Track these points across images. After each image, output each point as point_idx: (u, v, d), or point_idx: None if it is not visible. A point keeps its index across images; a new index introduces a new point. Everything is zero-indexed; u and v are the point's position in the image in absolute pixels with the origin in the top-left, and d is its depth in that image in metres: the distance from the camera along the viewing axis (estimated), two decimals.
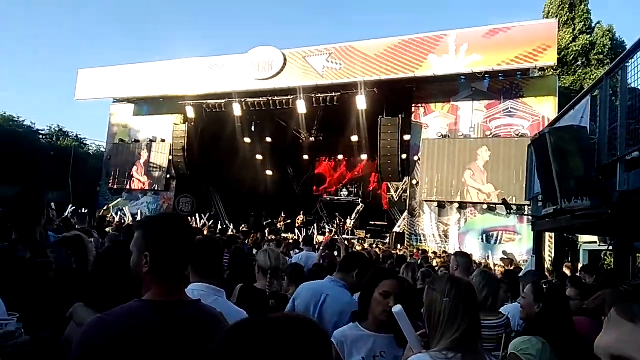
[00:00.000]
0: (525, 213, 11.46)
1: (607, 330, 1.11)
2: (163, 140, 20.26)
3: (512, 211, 11.51)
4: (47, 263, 2.41)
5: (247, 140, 20.84)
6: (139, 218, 13.48)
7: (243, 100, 17.75)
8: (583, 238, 14.72)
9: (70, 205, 9.98)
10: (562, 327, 2.31)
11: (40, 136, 30.04)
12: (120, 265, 2.05)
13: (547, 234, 8.59)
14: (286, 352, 0.73)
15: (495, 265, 9.55)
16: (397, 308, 1.91)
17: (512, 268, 8.67)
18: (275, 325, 0.77)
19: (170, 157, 19.67)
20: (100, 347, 1.29)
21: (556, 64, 15.42)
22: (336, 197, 21.51)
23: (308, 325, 0.79)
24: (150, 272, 1.47)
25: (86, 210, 10.88)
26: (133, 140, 21.29)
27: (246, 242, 9.78)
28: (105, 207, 13.20)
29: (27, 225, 2.54)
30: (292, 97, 16.96)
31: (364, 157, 21.64)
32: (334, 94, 16.45)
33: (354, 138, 19.81)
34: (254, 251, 7.15)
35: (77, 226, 5.75)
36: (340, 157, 22.86)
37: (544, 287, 2.80)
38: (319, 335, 0.79)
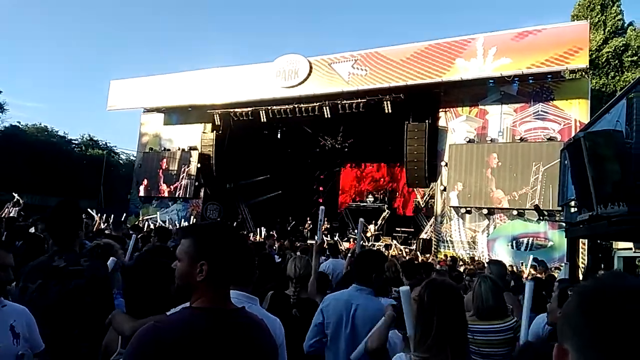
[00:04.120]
0: (558, 219, 11.20)
1: None
2: (193, 149, 20.61)
3: (544, 217, 11.22)
4: (79, 271, 2.46)
5: (274, 147, 21.04)
6: (167, 224, 13.66)
7: (269, 108, 17.91)
8: (618, 244, 14.29)
9: (97, 211, 10.05)
10: None
11: (73, 145, 30.98)
12: (155, 272, 2.11)
13: (580, 240, 8.38)
14: None
15: (530, 273, 9.32)
16: (405, 288, 1.92)
17: (542, 276, 8.46)
18: None
19: (199, 165, 20.02)
20: (155, 355, 1.29)
21: (588, 67, 15.03)
22: (362, 204, 21.31)
23: None
24: (204, 281, 1.45)
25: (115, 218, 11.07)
26: (163, 148, 21.76)
27: (273, 248, 9.83)
28: (140, 217, 13.44)
29: (65, 236, 2.62)
30: (317, 104, 17.01)
31: (390, 163, 21.52)
32: (359, 100, 16.40)
33: (380, 144, 19.71)
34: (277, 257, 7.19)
35: (112, 233, 5.90)
36: (366, 163, 22.76)
37: (569, 292, 2.76)
38: None
